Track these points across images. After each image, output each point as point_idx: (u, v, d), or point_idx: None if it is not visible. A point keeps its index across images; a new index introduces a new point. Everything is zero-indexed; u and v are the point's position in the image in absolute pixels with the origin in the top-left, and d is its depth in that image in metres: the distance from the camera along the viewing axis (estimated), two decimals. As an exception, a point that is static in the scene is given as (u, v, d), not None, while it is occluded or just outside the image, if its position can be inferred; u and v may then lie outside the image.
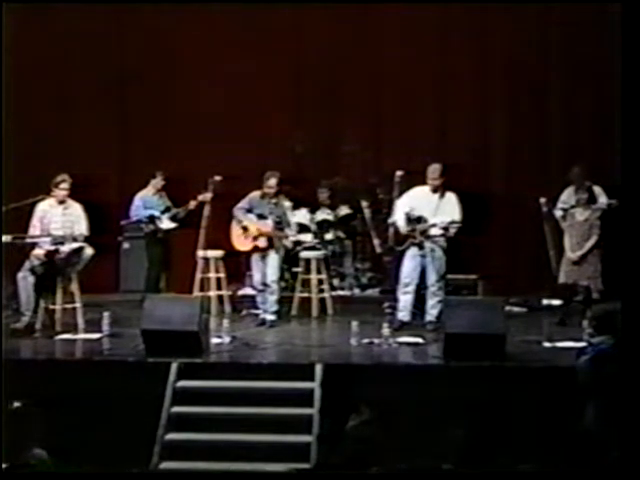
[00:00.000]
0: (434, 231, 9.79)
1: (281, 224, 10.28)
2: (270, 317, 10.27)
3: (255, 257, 10.31)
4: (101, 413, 8.08)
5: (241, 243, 10.35)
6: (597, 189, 10.50)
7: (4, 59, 11.65)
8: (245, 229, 10.25)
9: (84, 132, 12.24)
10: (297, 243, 11.32)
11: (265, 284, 10.22)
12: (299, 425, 7.86)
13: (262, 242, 10.20)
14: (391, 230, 10.03)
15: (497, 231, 11.93)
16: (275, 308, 10.33)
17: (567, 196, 10.49)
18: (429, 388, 8.09)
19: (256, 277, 10.34)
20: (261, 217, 10.25)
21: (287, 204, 10.53)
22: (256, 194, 10.34)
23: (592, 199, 10.20)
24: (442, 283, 9.97)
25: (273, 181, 10.22)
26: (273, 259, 10.22)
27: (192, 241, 10.73)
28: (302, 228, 11.42)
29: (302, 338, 9.84)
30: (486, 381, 8.09)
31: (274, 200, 10.32)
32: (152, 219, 11.46)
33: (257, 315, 10.42)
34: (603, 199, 10.39)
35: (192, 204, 11.31)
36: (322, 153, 12.21)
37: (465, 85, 12.06)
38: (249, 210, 10.31)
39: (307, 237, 11.16)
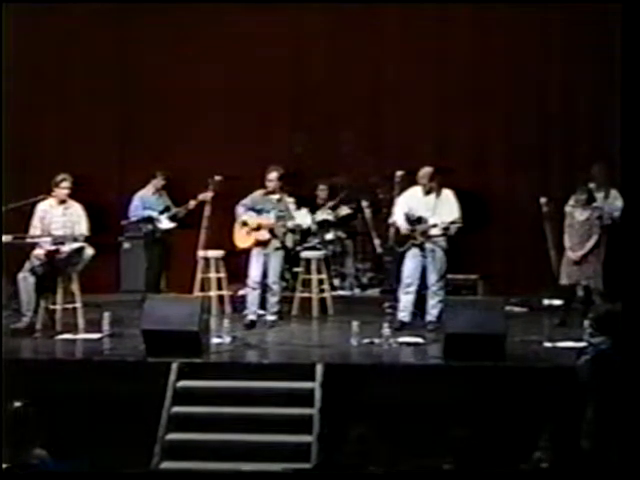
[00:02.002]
0: (435, 231, 9.77)
1: (284, 218, 10.23)
2: (271, 317, 10.24)
3: (255, 252, 10.19)
4: (101, 413, 8.08)
5: (242, 239, 10.28)
6: (614, 192, 10.53)
7: (4, 59, 11.66)
8: (244, 223, 10.22)
9: (84, 132, 12.25)
10: (297, 243, 11.33)
11: (261, 283, 10.14)
12: (299, 425, 7.86)
13: (263, 235, 10.14)
14: (391, 230, 10.03)
15: (497, 231, 11.93)
16: (276, 308, 10.29)
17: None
18: (429, 388, 8.09)
19: (253, 274, 10.19)
20: (263, 212, 10.22)
21: (289, 199, 10.47)
22: (259, 192, 10.35)
23: (591, 199, 10.20)
24: (442, 283, 9.96)
25: (273, 174, 10.20)
26: (275, 259, 10.18)
27: (192, 241, 10.74)
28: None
29: (302, 338, 9.83)
30: (486, 381, 8.09)
31: (277, 196, 10.30)
32: (150, 219, 11.46)
33: (245, 315, 10.28)
34: (619, 203, 10.41)
35: (192, 204, 11.31)
36: (322, 153, 12.21)
37: (465, 85, 12.05)
38: (251, 208, 10.28)
39: (307, 219, 10.94)
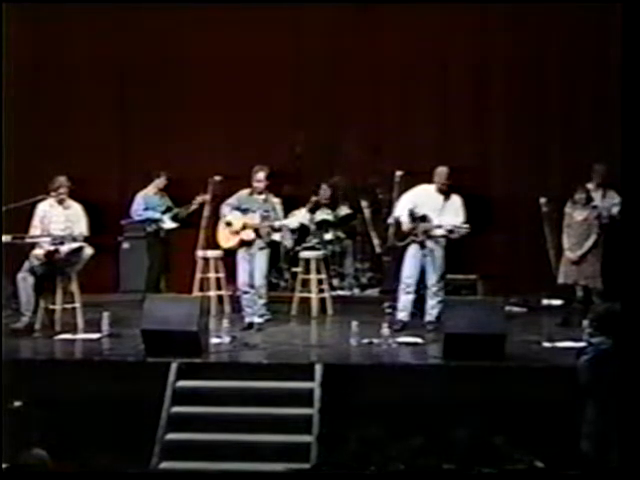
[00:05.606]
0: (438, 232, 9.73)
1: (269, 218, 10.05)
2: (258, 320, 10.01)
3: (241, 253, 10.00)
4: (101, 413, 8.08)
5: (226, 239, 10.09)
6: (612, 193, 10.54)
7: (4, 59, 11.66)
8: (229, 224, 10.04)
9: (84, 132, 12.24)
10: (297, 242, 11.31)
11: (252, 285, 9.96)
12: (299, 425, 7.86)
13: (248, 234, 9.95)
14: (391, 230, 10.01)
15: (497, 231, 11.92)
16: (263, 311, 10.08)
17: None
18: (429, 388, 8.09)
19: (241, 277, 10.02)
20: (248, 211, 10.03)
21: (276, 200, 10.39)
22: (244, 192, 10.16)
23: (589, 199, 10.21)
24: (442, 283, 9.95)
25: (261, 175, 10.02)
26: (260, 259, 9.97)
27: (192, 241, 10.73)
28: (302, 228, 11.40)
29: (302, 338, 9.83)
30: (486, 381, 8.09)
31: (262, 196, 10.12)
32: (154, 219, 11.45)
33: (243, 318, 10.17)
34: (617, 201, 10.43)
35: (193, 205, 11.29)
36: (322, 153, 12.20)
37: (465, 85, 12.06)
38: (236, 208, 10.09)
39: (293, 222, 10.69)
